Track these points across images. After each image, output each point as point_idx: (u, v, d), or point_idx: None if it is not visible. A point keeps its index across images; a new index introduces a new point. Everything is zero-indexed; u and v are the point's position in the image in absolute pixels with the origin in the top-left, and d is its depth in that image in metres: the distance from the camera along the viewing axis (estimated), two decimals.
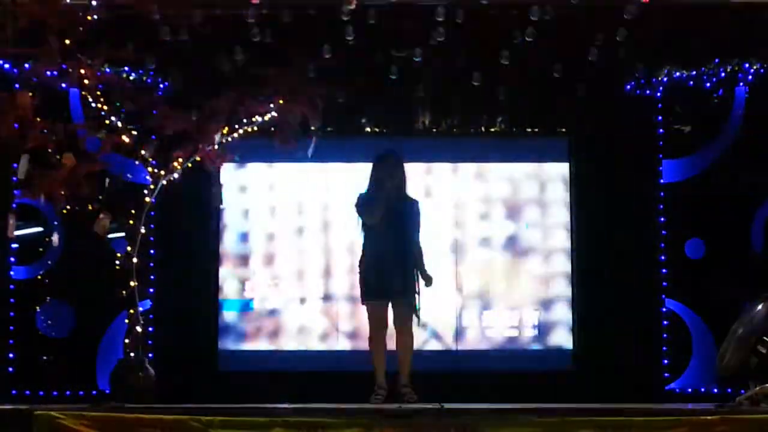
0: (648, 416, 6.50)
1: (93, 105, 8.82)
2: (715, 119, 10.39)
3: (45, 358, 10.07)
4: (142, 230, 8.76)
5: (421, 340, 10.49)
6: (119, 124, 8.79)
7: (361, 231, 8.44)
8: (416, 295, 8.28)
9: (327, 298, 10.56)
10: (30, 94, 8.32)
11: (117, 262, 8.76)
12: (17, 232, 9.73)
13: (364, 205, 8.40)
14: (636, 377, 10.21)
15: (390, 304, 8.31)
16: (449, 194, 10.75)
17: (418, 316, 8.31)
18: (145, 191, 8.94)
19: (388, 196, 8.31)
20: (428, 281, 8.34)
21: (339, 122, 10.42)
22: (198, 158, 8.87)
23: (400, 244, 8.25)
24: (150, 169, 8.82)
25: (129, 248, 8.60)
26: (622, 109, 10.57)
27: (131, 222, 8.70)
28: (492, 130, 10.64)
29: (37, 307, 10.09)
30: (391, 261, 8.21)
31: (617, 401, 9.70)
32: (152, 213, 9.43)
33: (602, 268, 10.48)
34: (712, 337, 9.93)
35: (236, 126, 8.98)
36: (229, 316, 10.60)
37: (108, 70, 8.88)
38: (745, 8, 9.62)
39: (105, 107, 8.76)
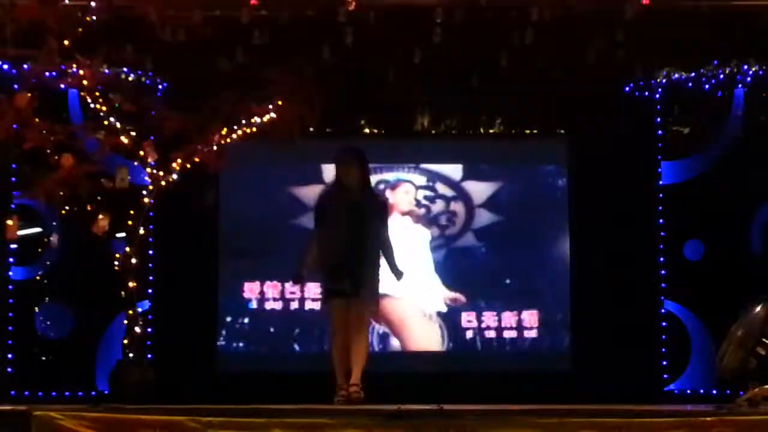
0: (647, 417, 6.50)
1: (92, 106, 8.82)
2: (714, 121, 10.40)
3: (44, 358, 10.07)
4: (141, 231, 8.76)
5: (421, 340, 10.53)
6: (118, 125, 8.79)
7: (318, 229, 8.10)
8: (373, 295, 7.96)
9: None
10: (29, 94, 8.31)
11: (116, 262, 8.76)
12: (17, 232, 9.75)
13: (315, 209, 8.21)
14: (635, 378, 10.23)
15: (352, 303, 7.90)
16: (447, 194, 10.76)
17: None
18: (144, 192, 8.94)
19: (346, 194, 7.95)
20: (398, 276, 8.02)
21: (338, 123, 10.43)
22: (197, 159, 8.87)
23: (358, 241, 7.85)
24: (149, 170, 8.82)
25: (128, 249, 8.59)
26: (621, 110, 10.58)
27: (130, 223, 8.70)
28: (491, 131, 10.66)
29: (36, 308, 10.09)
30: (348, 259, 7.83)
31: (616, 402, 9.73)
32: (151, 214, 9.44)
33: (601, 270, 10.49)
34: (710, 339, 9.93)
35: (235, 127, 8.98)
36: (228, 316, 10.60)
37: (107, 70, 8.88)
38: (744, 10, 9.64)
39: (104, 108, 8.76)
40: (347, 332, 7.95)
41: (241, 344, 10.60)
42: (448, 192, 10.79)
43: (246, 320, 10.63)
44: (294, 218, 10.71)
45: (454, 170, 10.78)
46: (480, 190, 10.77)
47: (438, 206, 10.75)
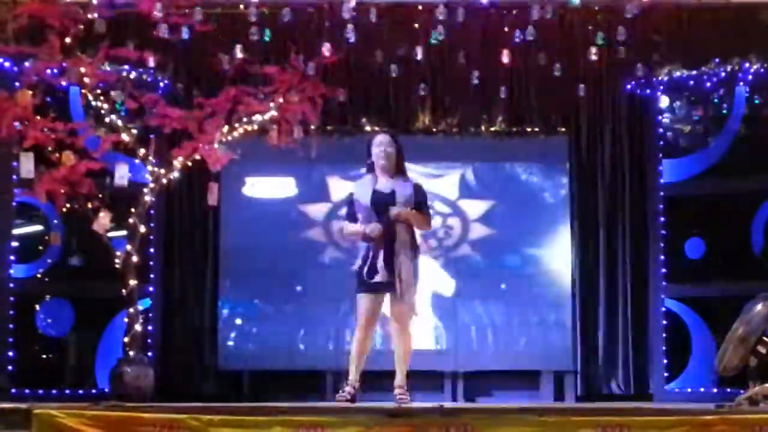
0: (648, 416, 6.50)
1: (93, 103, 8.82)
2: (716, 119, 10.39)
3: (45, 356, 10.07)
4: (142, 229, 8.76)
5: (421, 339, 10.50)
6: (119, 122, 8.79)
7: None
8: (410, 289, 7.58)
9: (327, 295, 10.51)
10: (30, 92, 8.31)
11: (117, 260, 8.76)
12: (16, 231, 9.76)
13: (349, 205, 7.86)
14: (635, 377, 10.24)
15: (385, 298, 7.65)
16: (449, 193, 10.76)
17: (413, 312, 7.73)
18: (145, 190, 8.94)
19: (379, 182, 7.71)
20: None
21: (339, 121, 10.43)
22: (198, 157, 8.87)
23: (391, 233, 7.56)
24: (150, 167, 8.82)
25: (129, 247, 8.59)
26: (623, 108, 10.59)
27: (131, 221, 8.70)
28: (492, 129, 10.65)
29: (37, 306, 10.09)
30: (387, 251, 7.54)
31: (617, 401, 9.75)
32: (152, 212, 9.43)
33: (602, 267, 10.50)
34: (711, 337, 9.94)
35: (236, 125, 8.98)
36: (228, 314, 10.59)
37: (108, 68, 8.88)
38: (745, 8, 9.63)
39: (105, 105, 8.76)
40: (373, 329, 7.77)
41: (241, 342, 10.59)
42: (449, 190, 10.79)
43: (247, 318, 10.62)
44: (295, 215, 10.72)
45: (455, 168, 10.77)
46: (480, 188, 10.77)
47: (438, 203, 10.74)
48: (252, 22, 9.32)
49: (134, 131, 8.86)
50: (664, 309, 10.32)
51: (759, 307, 7.64)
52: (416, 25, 9.93)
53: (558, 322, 10.55)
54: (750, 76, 10.13)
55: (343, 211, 8.11)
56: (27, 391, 9.67)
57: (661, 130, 10.50)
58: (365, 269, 7.61)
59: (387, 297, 7.65)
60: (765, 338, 7.51)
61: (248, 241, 10.58)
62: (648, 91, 10.46)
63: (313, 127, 9.20)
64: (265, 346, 10.57)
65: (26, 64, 8.88)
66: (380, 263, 7.56)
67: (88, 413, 6.53)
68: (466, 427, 6.41)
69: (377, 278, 7.57)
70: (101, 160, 8.70)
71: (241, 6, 9.41)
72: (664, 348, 10.27)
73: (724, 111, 10.36)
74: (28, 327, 9.98)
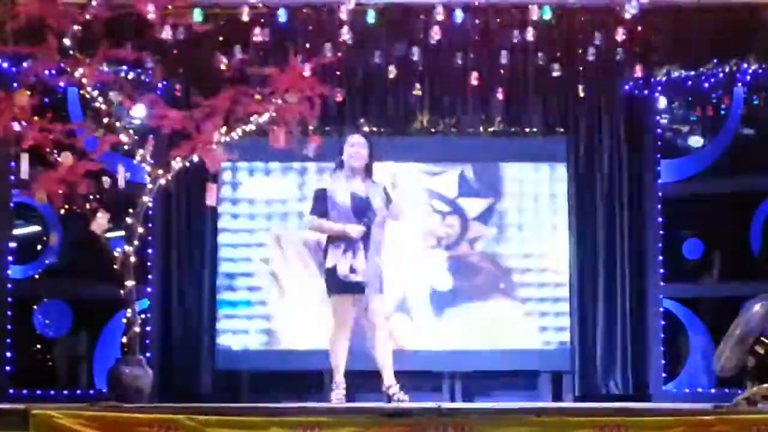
0: (645, 416, 6.50)
1: (91, 104, 8.80)
2: (714, 119, 10.39)
3: (42, 357, 10.06)
4: (140, 229, 8.75)
5: (420, 338, 10.51)
6: (117, 123, 8.77)
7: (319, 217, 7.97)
8: (381, 287, 7.87)
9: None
10: (28, 93, 8.30)
11: (114, 261, 8.74)
12: (16, 231, 9.75)
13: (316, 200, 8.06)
14: (633, 377, 10.24)
15: (360, 299, 7.85)
16: (448, 193, 10.75)
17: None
18: (143, 190, 8.92)
19: (351, 181, 7.96)
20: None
21: (337, 121, 10.43)
22: (196, 157, 8.86)
23: (368, 231, 7.80)
24: (148, 168, 8.80)
25: (127, 247, 8.58)
26: (621, 109, 10.59)
27: (129, 221, 8.68)
28: (491, 129, 10.65)
29: (35, 307, 10.08)
30: (359, 250, 7.78)
31: (615, 401, 9.76)
32: (150, 212, 9.42)
33: (600, 268, 10.50)
34: (709, 338, 9.95)
35: (234, 125, 8.96)
36: (226, 314, 10.59)
37: (106, 68, 8.87)
38: (744, 8, 9.63)
39: (103, 106, 8.74)
40: (350, 329, 7.92)
41: (239, 342, 10.58)
42: (447, 190, 10.78)
43: (245, 318, 10.61)
44: (293, 216, 10.71)
45: (453, 168, 10.77)
46: (479, 188, 10.77)
47: (436, 204, 10.74)
48: (250, 22, 9.33)
49: (132, 132, 8.84)
50: (662, 309, 10.32)
51: (757, 307, 7.64)
52: (414, 26, 9.92)
53: (556, 321, 10.55)
54: (748, 77, 10.13)
55: (310, 205, 8.16)
56: (25, 391, 9.67)
57: (659, 130, 10.51)
58: (342, 268, 7.75)
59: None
60: (763, 338, 7.51)
61: (246, 240, 10.59)
62: (646, 91, 10.46)
63: (311, 127, 9.18)
64: (263, 346, 10.57)
65: (24, 64, 8.87)
66: (359, 263, 7.74)
67: (85, 414, 6.53)
68: (465, 427, 6.42)
69: (354, 278, 7.75)
70: (99, 160, 8.68)
71: (242, 9, 9.40)
72: (662, 348, 10.27)
73: (723, 111, 10.36)
74: (25, 328, 9.98)
